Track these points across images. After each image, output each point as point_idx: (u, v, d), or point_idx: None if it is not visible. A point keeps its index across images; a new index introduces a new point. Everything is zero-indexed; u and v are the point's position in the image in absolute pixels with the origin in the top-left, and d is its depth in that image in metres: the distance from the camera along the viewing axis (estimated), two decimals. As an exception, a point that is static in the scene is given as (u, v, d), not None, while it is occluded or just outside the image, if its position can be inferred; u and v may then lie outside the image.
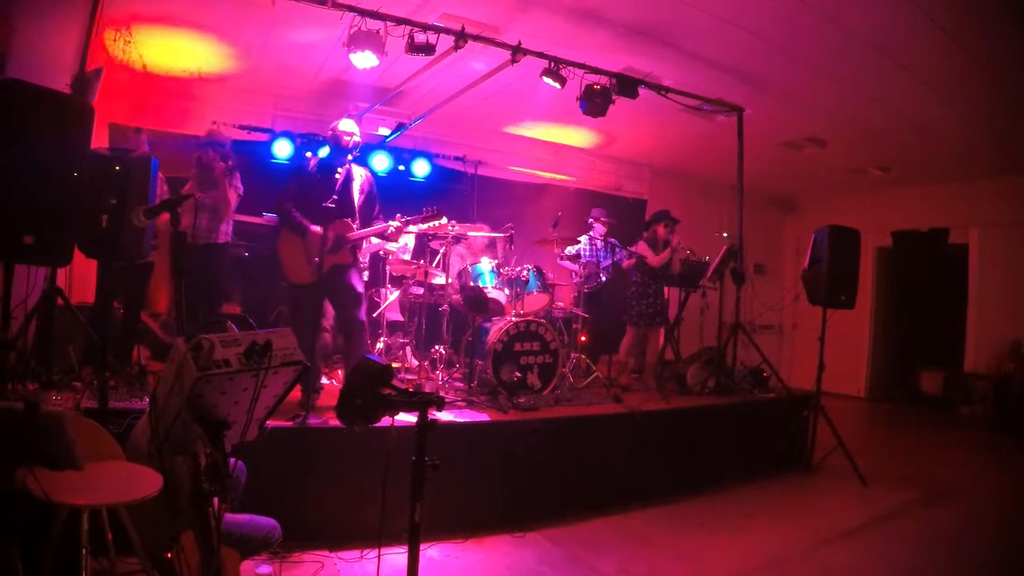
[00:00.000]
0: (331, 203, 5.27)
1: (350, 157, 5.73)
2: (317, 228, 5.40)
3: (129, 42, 7.28)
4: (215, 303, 6.93)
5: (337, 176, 5.69)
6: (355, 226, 5.72)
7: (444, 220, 5.97)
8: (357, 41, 6.05)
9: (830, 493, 6.75)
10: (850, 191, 13.20)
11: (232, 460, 2.56)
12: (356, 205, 5.81)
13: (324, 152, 6.96)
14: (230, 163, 6.53)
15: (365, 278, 6.73)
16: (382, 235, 5.86)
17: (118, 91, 7.97)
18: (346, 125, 5.82)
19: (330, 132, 5.91)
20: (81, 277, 7.00)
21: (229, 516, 2.84)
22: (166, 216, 3.47)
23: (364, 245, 6.49)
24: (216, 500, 2.55)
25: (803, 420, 7.52)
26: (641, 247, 8.34)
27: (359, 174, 5.92)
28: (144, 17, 6.77)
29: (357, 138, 5.80)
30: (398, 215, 5.82)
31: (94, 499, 2.74)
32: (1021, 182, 10.79)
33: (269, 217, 8.01)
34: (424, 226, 5.94)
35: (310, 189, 5.65)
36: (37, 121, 3.92)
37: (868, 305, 12.95)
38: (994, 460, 8.71)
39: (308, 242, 5.56)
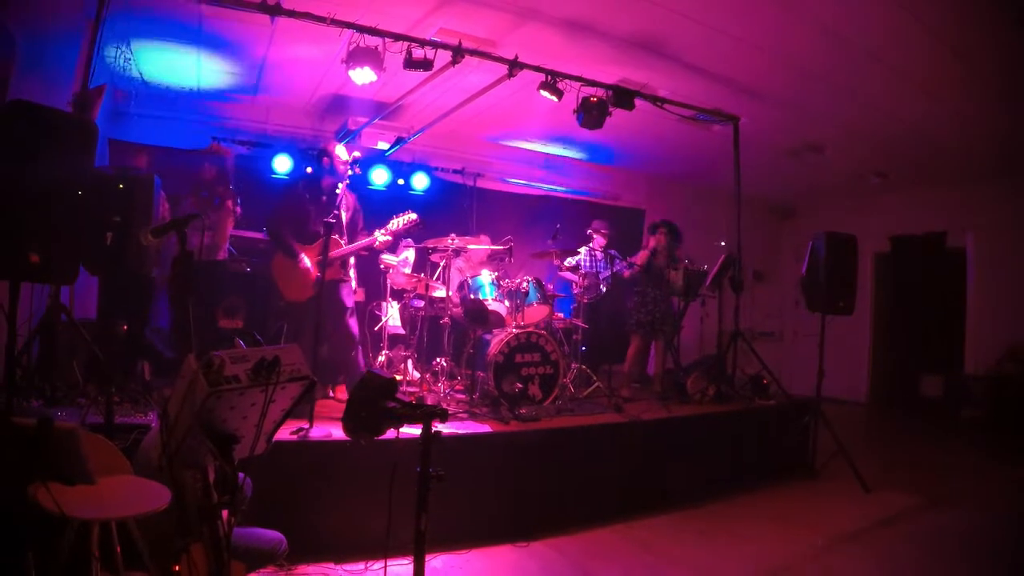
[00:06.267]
0: (332, 219, 5.34)
1: (351, 173, 5.84)
2: (304, 257, 5.53)
3: (129, 58, 7.35)
4: (215, 319, 6.99)
5: (337, 192, 5.79)
6: (343, 242, 5.82)
7: (413, 216, 6.02)
8: (356, 57, 6.12)
9: (832, 499, 6.75)
10: (848, 196, 13.24)
11: (240, 475, 2.61)
12: (344, 222, 5.91)
13: (311, 171, 7.11)
14: (231, 184, 6.62)
15: (354, 287, 6.79)
16: (370, 248, 5.95)
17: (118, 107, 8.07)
18: (341, 150, 5.94)
19: (324, 153, 6.01)
20: (83, 292, 7.04)
21: (236, 529, 2.87)
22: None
23: (352, 260, 6.55)
24: (225, 513, 2.59)
25: (804, 426, 7.54)
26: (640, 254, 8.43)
27: (345, 195, 6.02)
28: (144, 33, 6.84)
29: (337, 158, 5.92)
30: (376, 228, 5.93)
31: (107, 513, 2.77)
32: (1017, 185, 10.84)
33: (268, 232, 8.07)
34: (399, 224, 5.99)
35: (302, 209, 5.77)
36: (41, 141, 3.94)
37: (868, 310, 13.01)
38: (995, 463, 8.72)
39: (301, 261, 5.65)
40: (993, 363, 10.87)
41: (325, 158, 5.89)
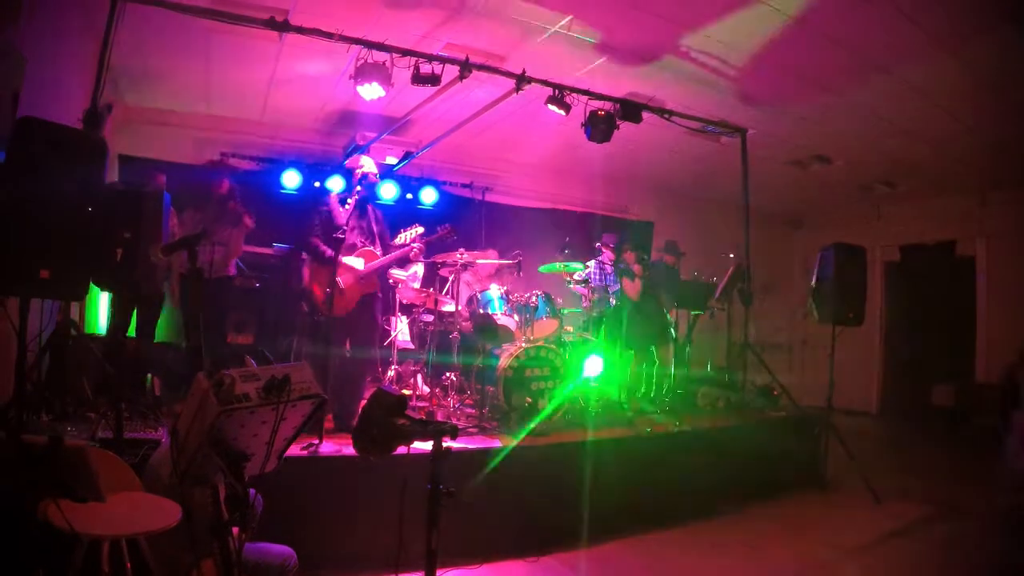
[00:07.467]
0: (340, 235, 5.35)
1: (358, 188, 5.87)
2: (352, 261, 5.52)
3: (138, 76, 7.39)
4: (224, 334, 7.02)
5: (347, 206, 5.82)
6: (379, 253, 5.84)
7: (421, 228, 6.04)
8: (364, 73, 6.15)
9: (843, 510, 6.71)
10: (857, 207, 13.22)
11: (251, 491, 2.60)
12: (376, 234, 5.93)
13: (338, 185, 7.12)
14: (238, 200, 6.67)
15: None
16: (406, 258, 5.96)
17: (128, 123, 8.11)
18: (365, 161, 6.00)
19: (354, 166, 6.06)
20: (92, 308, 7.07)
21: (246, 545, 2.87)
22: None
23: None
24: (236, 530, 2.59)
25: (815, 438, 7.50)
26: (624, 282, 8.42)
27: (370, 207, 6.03)
28: (154, 50, 6.88)
29: (366, 169, 5.95)
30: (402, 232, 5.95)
31: (117, 530, 2.77)
32: (1026, 193, 10.81)
33: (279, 248, 8.08)
34: (413, 234, 6.02)
35: (336, 222, 5.78)
36: (52, 157, 3.95)
37: (878, 320, 12.96)
38: (1006, 472, 8.66)
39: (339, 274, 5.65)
40: (1005, 371, 10.78)
41: (357, 170, 5.93)
